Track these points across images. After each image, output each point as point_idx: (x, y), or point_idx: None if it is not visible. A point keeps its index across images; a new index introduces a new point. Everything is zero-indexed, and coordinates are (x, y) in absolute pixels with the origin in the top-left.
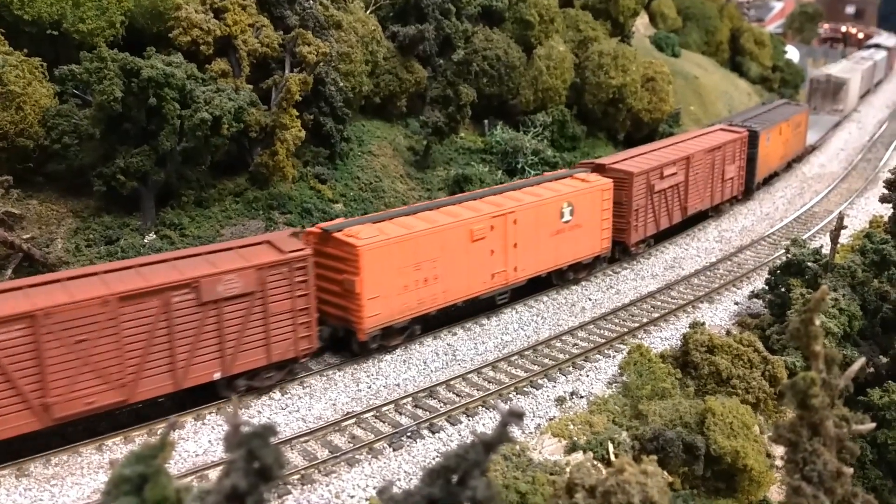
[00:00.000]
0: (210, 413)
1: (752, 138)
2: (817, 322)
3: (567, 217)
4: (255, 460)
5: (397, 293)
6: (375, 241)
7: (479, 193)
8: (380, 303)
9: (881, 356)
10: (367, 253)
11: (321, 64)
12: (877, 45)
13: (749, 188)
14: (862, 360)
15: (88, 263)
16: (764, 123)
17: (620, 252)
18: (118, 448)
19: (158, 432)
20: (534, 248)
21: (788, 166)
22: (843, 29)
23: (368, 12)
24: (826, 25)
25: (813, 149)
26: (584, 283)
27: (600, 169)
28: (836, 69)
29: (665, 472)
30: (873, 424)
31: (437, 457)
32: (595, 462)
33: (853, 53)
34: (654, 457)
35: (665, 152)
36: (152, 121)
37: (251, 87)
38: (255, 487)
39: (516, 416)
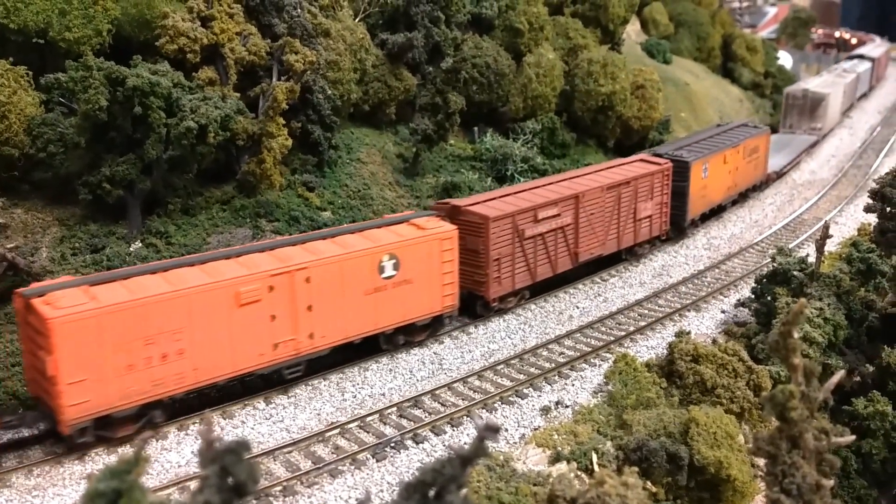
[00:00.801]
0: (193, 423)
1: (681, 169)
2: (796, 335)
3: (389, 272)
4: (229, 476)
5: (117, 374)
6: (79, 311)
7: (278, 242)
8: (89, 387)
9: (867, 365)
10: (64, 327)
11: (309, 72)
12: (860, 56)
13: (679, 226)
14: (841, 373)
15: (74, 272)
16: (701, 151)
17: (482, 307)
18: (101, 458)
19: (134, 445)
20: (339, 311)
21: (744, 196)
22: (837, 34)
23: (357, 20)
24: (819, 31)
25: (778, 176)
26: (571, 290)
27: (455, 211)
28: (815, 83)
29: (648, 483)
30: (853, 437)
31: (418, 468)
32: (579, 472)
33: (833, 66)
34: (635, 468)
35: (546, 190)
36: (138, 129)
37: (238, 95)
38: (229, 503)
39: (492, 430)
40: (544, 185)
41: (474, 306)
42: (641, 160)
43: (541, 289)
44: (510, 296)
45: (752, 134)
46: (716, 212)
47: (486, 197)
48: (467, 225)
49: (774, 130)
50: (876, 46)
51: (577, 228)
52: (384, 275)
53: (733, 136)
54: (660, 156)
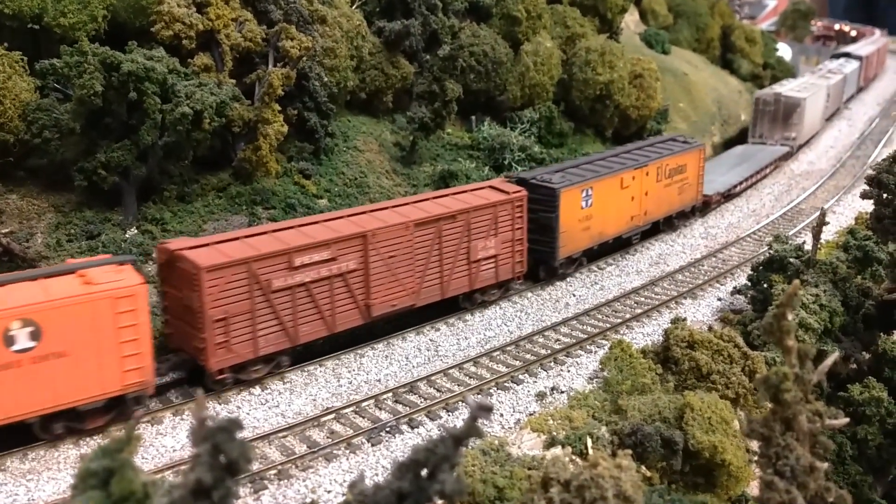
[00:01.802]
0: (188, 408)
1: (545, 198)
2: (790, 317)
3: (24, 343)
4: (221, 454)
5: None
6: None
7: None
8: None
9: (863, 352)
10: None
11: (305, 59)
12: (846, 55)
13: (550, 266)
14: (836, 355)
15: (69, 258)
16: (582, 175)
17: (212, 382)
18: (95, 442)
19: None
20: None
21: (670, 224)
22: (836, 26)
23: (354, 7)
24: (819, 23)
25: (725, 197)
26: (568, 279)
27: (169, 257)
28: (791, 86)
29: (643, 467)
30: (847, 419)
31: (412, 448)
32: (573, 457)
33: (818, 66)
34: (629, 451)
35: (318, 229)
36: (133, 115)
37: (234, 81)
38: (221, 481)
39: (485, 410)
40: (321, 222)
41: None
42: (491, 187)
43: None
44: (254, 363)
45: (675, 151)
46: (619, 246)
47: (221, 238)
48: (181, 274)
49: (743, 140)
50: (868, 43)
51: (368, 275)
52: (14, 347)
53: (643, 154)
54: (524, 181)
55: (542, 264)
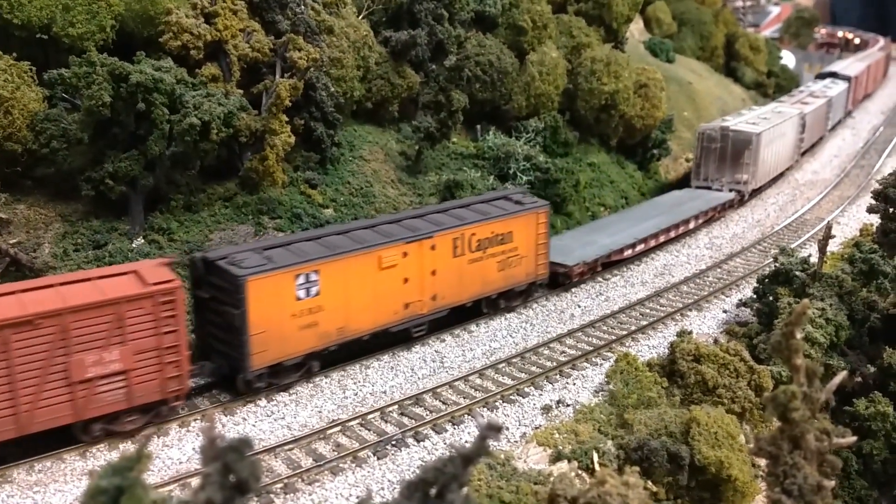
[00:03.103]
0: (195, 420)
1: (232, 289)
2: (798, 336)
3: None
4: (231, 473)
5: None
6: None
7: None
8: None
9: (869, 366)
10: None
11: (312, 69)
12: (833, 75)
13: (243, 379)
14: (843, 374)
15: (76, 268)
16: (307, 254)
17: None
18: (102, 455)
19: (135, 442)
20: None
21: (494, 304)
22: (840, 34)
23: (361, 17)
24: (822, 31)
25: (600, 267)
26: (573, 289)
27: None
28: (747, 118)
29: (649, 482)
30: (854, 438)
31: (420, 467)
32: (579, 471)
33: (796, 90)
34: (636, 468)
35: None
36: (141, 125)
37: (242, 91)
38: (231, 501)
39: (494, 429)
40: None
41: None
42: (135, 273)
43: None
44: None
45: (491, 216)
46: (397, 340)
47: None
48: None
49: (686, 184)
50: (861, 59)
51: None
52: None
53: (433, 221)
54: (208, 262)
55: (233, 374)
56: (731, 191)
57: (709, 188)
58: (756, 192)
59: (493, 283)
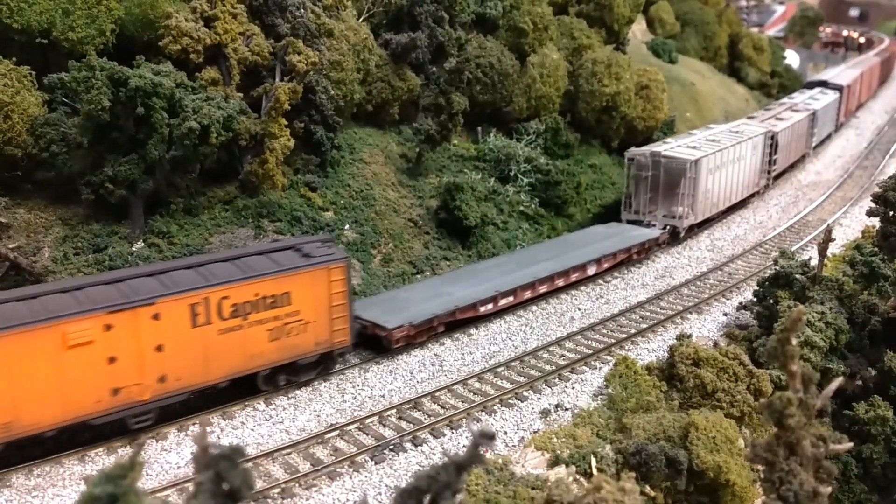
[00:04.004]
0: (193, 424)
1: None
2: (794, 342)
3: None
4: (224, 482)
5: None
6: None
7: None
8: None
9: (869, 369)
10: None
11: (311, 73)
12: (823, 84)
13: None
14: (839, 380)
15: (76, 272)
16: None
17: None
18: (100, 459)
19: (128, 450)
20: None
21: (272, 380)
22: (845, 33)
23: (361, 20)
24: (827, 30)
25: (428, 330)
26: (573, 292)
27: None
28: (693, 139)
29: (647, 487)
30: (850, 444)
31: (413, 474)
32: (577, 476)
33: (776, 103)
34: (633, 473)
35: None
36: (141, 129)
37: (241, 95)
38: None
39: (487, 437)
40: None
41: None
42: None
43: None
44: None
45: (256, 274)
46: (114, 432)
47: None
48: None
49: (616, 217)
50: (856, 64)
51: None
52: None
53: (168, 282)
54: None
55: None
56: (665, 226)
57: (639, 221)
58: (693, 229)
59: (261, 356)
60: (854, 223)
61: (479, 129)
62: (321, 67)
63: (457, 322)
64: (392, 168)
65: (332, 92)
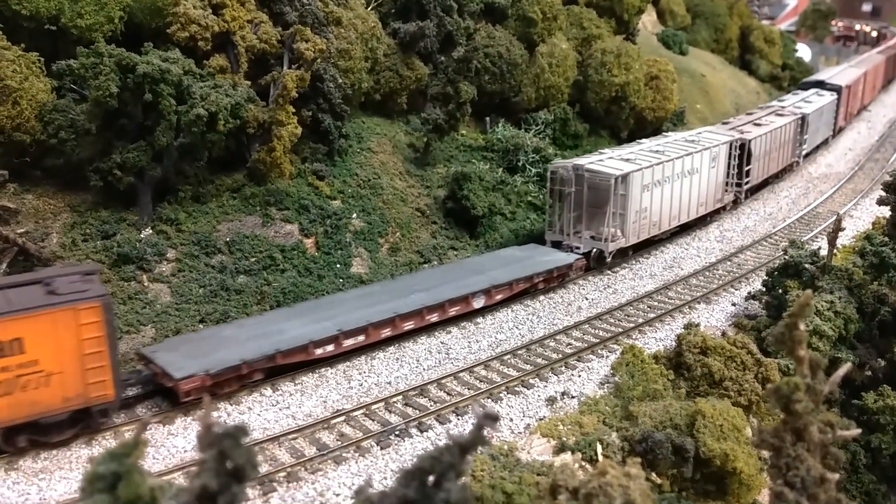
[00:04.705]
0: (201, 409)
1: None
2: (802, 327)
3: None
4: (227, 460)
5: None
6: None
7: None
8: None
9: (878, 359)
10: None
11: (319, 60)
12: (820, 84)
13: None
14: (847, 366)
15: (84, 258)
16: None
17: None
18: (107, 443)
19: (132, 431)
20: None
21: None
22: (857, 27)
23: (369, 9)
24: (840, 24)
25: (184, 395)
26: (580, 281)
27: None
28: (626, 153)
29: (654, 474)
30: (858, 430)
31: (418, 456)
32: (583, 463)
33: (762, 105)
34: (638, 459)
35: None
36: (149, 116)
37: (249, 83)
38: (227, 488)
39: (491, 419)
40: None
41: None
42: None
43: None
44: None
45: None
46: None
47: None
48: None
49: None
50: (857, 63)
51: None
52: None
53: None
54: None
55: None
56: (591, 249)
57: (559, 241)
58: (623, 254)
59: None
60: (865, 215)
61: (488, 118)
62: (329, 55)
63: (286, 367)
64: (400, 157)
65: (340, 80)
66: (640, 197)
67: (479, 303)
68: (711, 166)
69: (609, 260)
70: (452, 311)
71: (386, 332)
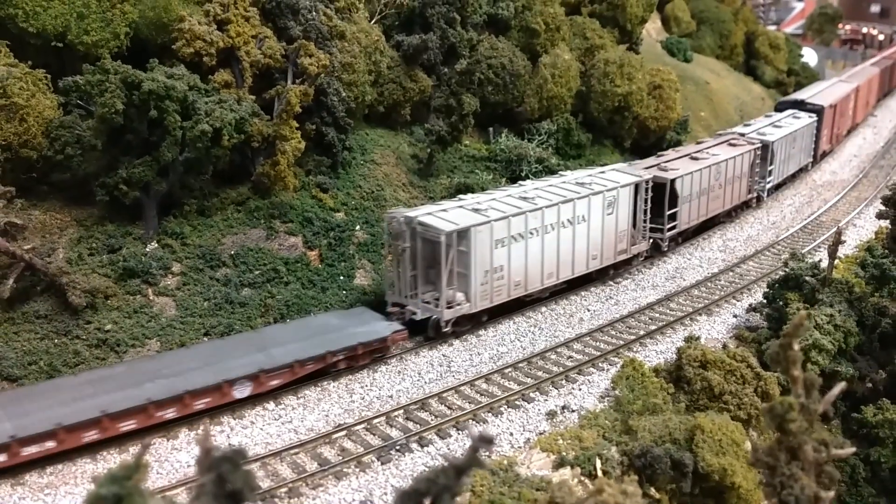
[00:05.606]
0: (204, 423)
1: None
2: (796, 347)
3: None
4: (226, 484)
5: None
6: None
7: None
8: None
9: (879, 371)
10: None
11: (323, 75)
12: (798, 104)
13: None
14: (842, 386)
15: (90, 273)
16: None
17: None
18: (112, 458)
19: (136, 450)
20: None
21: None
22: (864, 30)
23: (373, 22)
24: (847, 27)
25: None
26: (582, 293)
27: None
28: (482, 199)
29: (652, 489)
30: (853, 449)
31: (413, 477)
32: (582, 478)
33: (720, 133)
34: (635, 476)
35: None
36: (154, 132)
37: (254, 97)
38: None
39: (486, 441)
40: None
41: None
42: None
43: None
44: None
45: None
46: None
47: None
48: None
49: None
50: (848, 78)
51: None
52: None
53: None
54: None
55: None
56: (428, 315)
57: (400, 307)
58: (462, 324)
59: None
60: (868, 224)
61: (491, 129)
62: (333, 70)
63: None
64: (403, 169)
65: (344, 94)
66: (491, 254)
67: (242, 391)
68: (608, 213)
69: (447, 330)
70: (198, 405)
71: (91, 435)
